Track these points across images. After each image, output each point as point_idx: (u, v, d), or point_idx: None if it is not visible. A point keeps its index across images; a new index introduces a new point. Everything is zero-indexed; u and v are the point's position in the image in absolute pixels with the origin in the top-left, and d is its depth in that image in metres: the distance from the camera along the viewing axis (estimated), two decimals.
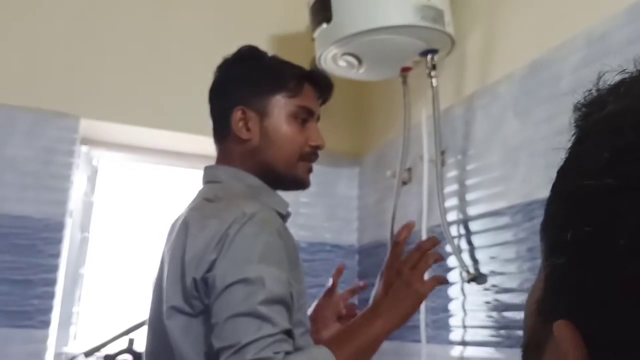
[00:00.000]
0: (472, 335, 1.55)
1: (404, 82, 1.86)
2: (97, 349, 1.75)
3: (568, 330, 0.33)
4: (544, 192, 1.32)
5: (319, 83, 1.29)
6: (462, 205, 1.65)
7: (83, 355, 1.76)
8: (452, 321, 1.63)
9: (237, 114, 1.22)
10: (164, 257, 1.16)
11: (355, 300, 1.50)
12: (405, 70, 1.83)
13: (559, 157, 1.32)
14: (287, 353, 0.97)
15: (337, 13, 1.68)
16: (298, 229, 1.82)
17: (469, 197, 1.64)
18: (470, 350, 1.55)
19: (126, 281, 2.07)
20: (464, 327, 1.59)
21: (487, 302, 1.51)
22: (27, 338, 1.74)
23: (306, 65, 1.34)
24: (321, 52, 1.76)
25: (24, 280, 1.75)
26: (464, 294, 1.60)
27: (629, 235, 0.30)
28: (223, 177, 1.22)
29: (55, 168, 1.85)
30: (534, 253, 1.38)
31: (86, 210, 2.04)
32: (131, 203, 2.15)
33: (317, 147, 1.26)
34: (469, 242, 1.60)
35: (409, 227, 1.26)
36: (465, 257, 1.59)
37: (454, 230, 1.66)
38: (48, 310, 1.77)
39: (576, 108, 0.38)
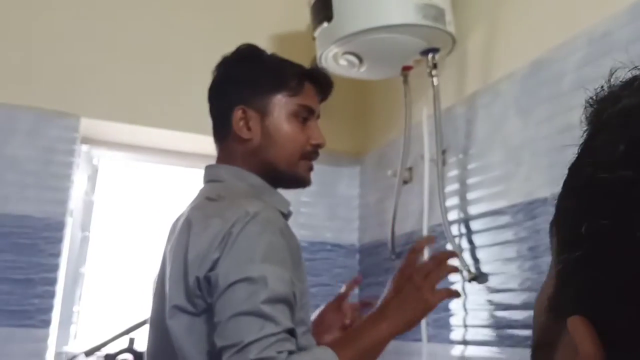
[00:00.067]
0: (473, 334, 1.55)
1: (405, 81, 1.86)
2: (98, 348, 1.75)
3: (583, 325, 0.33)
4: (545, 191, 1.32)
5: (319, 81, 1.29)
6: (463, 204, 1.65)
7: (83, 355, 1.76)
8: (453, 320, 1.63)
9: (238, 114, 1.22)
10: (166, 257, 1.16)
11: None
12: (406, 69, 1.83)
13: (561, 156, 1.32)
14: (290, 352, 0.97)
15: (338, 12, 1.68)
16: (299, 228, 1.82)
17: (470, 196, 1.63)
18: (471, 350, 1.55)
19: (127, 280, 2.07)
20: (465, 326, 1.58)
21: (488, 301, 1.51)
22: (27, 337, 1.73)
23: (307, 65, 1.34)
24: (322, 51, 1.75)
25: (24, 279, 1.75)
26: (465, 293, 1.60)
27: None
28: (225, 176, 1.22)
29: (55, 167, 1.85)
30: (535, 252, 1.38)
31: (87, 209, 2.04)
32: (132, 202, 2.15)
33: (318, 146, 1.26)
34: (470, 241, 1.60)
35: (429, 239, 1.31)
36: (466, 256, 1.59)
37: (455, 230, 1.65)
38: (49, 309, 1.77)
39: (588, 104, 0.38)
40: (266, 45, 1.34)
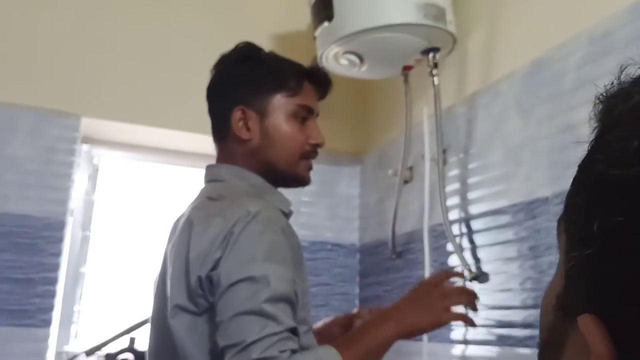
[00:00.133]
0: (473, 333, 1.55)
1: (406, 81, 1.86)
2: (98, 347, 1.75)
3: (594, 324, 0.32)
4: (546, 191, 1.32)
5: (319, 80, 1.29)
6: (464, 203, 1.65)
7: (84, 354, 1.76)
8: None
9: (237, 114, 1.22)
10: (167, 256, 1.16)
11: None
12: (406, 68, 1.83)
13: (561, 156, 1.32)
14: (293, 351, 0.96)
15: (338, 11, 1.68)
16: (299, 228, 1.81)
17: (471, 195, 1.63)
18: (471, 349, 1.55)
19: (127, 280, 2.07)
20: (466, 325, 1.58)
21: (489, 301, 1.51)
22: (28, 337, 1.73)
23: (307, 64, 1.34)
24: (323, 51, 1.75)
25: (25, 279, 1.75)
26: None
27: None
28: (226, 176, 1.22)
29: (56, 167, 1.85)
30: (536, 252, 1.38)
31: (87, 209, 2.04)
32: (132, 202, 2.15)
33: (318, 145, 1.26)
34: (471, 241, 1.60)
35: (459, 274, 1.33)
36: (467, 255, 1.59)
37: (455, 229, 1.66)
38: (49, 309, 1.77)
39: (598, 100, 0.38)
40: (267, 44, 1.34)
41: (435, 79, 1.71)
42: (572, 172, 1.28)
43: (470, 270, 1.55)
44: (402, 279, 1.91)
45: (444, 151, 1.72)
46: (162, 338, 1.10)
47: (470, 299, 1.20)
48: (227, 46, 1.31)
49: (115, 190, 2.13)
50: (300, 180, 1.27)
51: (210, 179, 1.25)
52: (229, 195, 1.14)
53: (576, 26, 1.35)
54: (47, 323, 1.76)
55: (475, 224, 1.60)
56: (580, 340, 0.33)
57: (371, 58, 1.77)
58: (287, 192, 1.28)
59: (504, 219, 1.49)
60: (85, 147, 2.03)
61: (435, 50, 1.71)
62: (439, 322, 1.17)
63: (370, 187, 2.20)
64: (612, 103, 0.37)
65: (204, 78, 1.31)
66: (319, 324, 1.34)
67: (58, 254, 1.81)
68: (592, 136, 0.37)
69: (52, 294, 1.78)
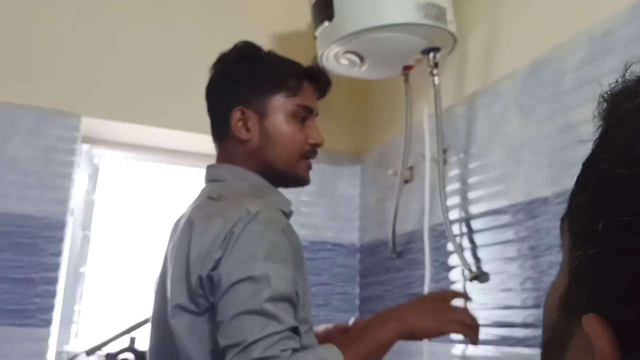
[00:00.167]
0: None
1: (406, 81, 1.86)
2: (99, 347, 1.75)
3: (599, 324, 0.32)
4: (546, 191, 1.32)
5: (318, 80, 1.29)
6: (464, 203, 1.65)
7: (84, 354, 1.76)
8: None
9: (237, 115, 1.22)
10: (168, 256, 1.16)
11: None
12: (407, 68, 1.83)
13: (561, 156, 1.31)
14: (294, 350, 0.96)
15: (338, 11, 1.68)
16: (299, 228, 1.82)
17: (471, 195, 1.63)
18: (472, 349, 1.55)
19: (127, 280, 2.07)
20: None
21: (489, 301, 1.51)
22: (28, 336, 1.73)
23: (307, 64, 1.34)
24: (323, 51, 1.75)
25: (25, 278, 1.75)
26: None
27: None
28: (226, 176, 1.22)
29: (56, 167, 1.85)
30: (536, 251, 1.38)
31: (87, 208, 2.04)
32: (132, 201, 2.15)
33: (317, 145, 1.26)
34: (471, 241, 1.60)
35: (465, 296, 1.33)
36: (467, 255, 1.59)
37: (455, 229, 1.66)
38: (49, 308, 1.77)
39: (602, 99, 0.37)
40: (267, 44, 1.34)
41: (436, 79, 1.71)
42: (573, 172, 1.28)
43: (470, 270, 1.55)
44: (402, 279, 1.91)
45: (444, 151, 1.73)
46: (163, 338, 1.10)
47: (473, 324, 1.16)
48: (227, 46, 1.30)
49: (115, 190, 2.13)
50: (299, 180, 1.27)
51: (210, 178, 1.25)
52: (229, 195, 1.14)
53: (576, 26, 1.35)
54: (47, 323, 1.76)
55: (476, 224, 1.60)
56: (584, 340, 0.33)
57: (371, 58, 1.77)
58: (287, 192, 1.28)
59: (504, 218, 1.49)
60: (85, 147, 2.03)
61: (436, 50, 1.71)
62: (439, 329, 1.15)
63: (371, 186, 2.20)
64: (616, 101, 0.36)
65: (204, 78, 1.31)
66: (319, 328, 1.34)
67: (58, 254, 1.81)
68: (597, 134, 0.37)
69: (53, 294, 1.78)
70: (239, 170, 1.22)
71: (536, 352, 1.36)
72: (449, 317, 1.15)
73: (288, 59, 1.29)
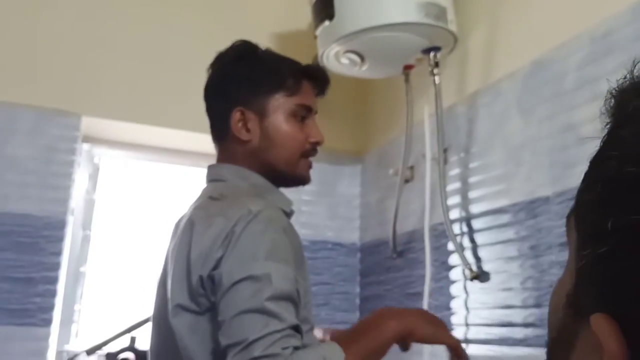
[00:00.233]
0: (474, 333, 1.55)
1: (407, 80, 1.86)
2: (99, 347, 1.75)
3: (607, 323, 0.32)
4: (547, 190, 1.32)
5: (317, 78, 1.29)
6: (465, 203, 1.65)
7: (85, 354, 1.76)
8: (455, 319, 1.63)
9: (236, 115, 1.22)
10: (168, 256, 1.16)
11: None
12: (407, 68, 1.83)
13: (562, 155, 1.31)
14: (296, 348, 0.96)
15: (339, 10, 1.68)
16: (300, 227, 1.82)
17: (472, 195, 1.63)
18: (472, 348, 1.55)
19: (128, 279, 2.07)
20: (467, 325, 1.58)
21: (490, 300, 1.51)
22: (28, 336, 1.73)
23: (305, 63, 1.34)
24: (323, 50, 1.75)
25: (25, 278, 1.75)
26: (466, 292, 1.60)
27: None
28: (227, 176, 1.22)
29: (56, 166, 1.85)
30: (536, 251, 1.38)
31: (88, 208, 2.04)
32: (133, 201, 2.15)
33: (317, 143, 1.26)
34: (472, 240, 1.60)
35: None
36: (468, 254, 1.59)
37: (456, 228, 1.65)
38: (50, 308, 1.77)
39: (610, 95, 0.37)
40: (267, 44, 1.33)
41: (436, 78, 1.71)
42: (574, 171, 1.29)
43: (471, 270, 1.55)
44: (402, 278, 1.91)
45: (445, 150, 1.72)
46: (164, 338, 1.10)
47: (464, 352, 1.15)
48: (227, 45, 1.30)
49: (115, 190, 2.13)
50: (300, 180, 1.27)
51: (211, 178, 1.25)
52: (230, 194, 1.14)
53: (577, 26, 1.35)
54: (47, 322, 1.76)
55: (476, 223, 1.60)
56: (591, 339, 0.33)
57: (372, 57, 1.77)
58: (288, 192, 1.28)
59: (505, 218, 1.49)
60: (85, 146, 2.03)
61: (436, 49, 1.71)
62: (438, 336, 1.13)
63: (371, 186, 2.20)
64: (625, 98, 0.36)
65: (204, 77, 1.30)
66: (320, 331, 1.34)
67: (59, 253, 1.81)
68: (604, 131, 0.37)
69: (53, 293, 1.78)
70: (240, 170, 1.22)
71: (536, 351, 1.36)
72: (448, 330, 1.15)
73: (286, 58, 1.29)
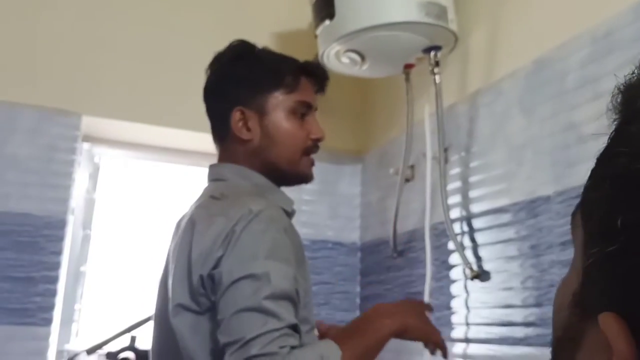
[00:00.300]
0: (475, 332, 1.55)
1: (407, 79, 1.86)
2: (99, 346, 1.75)
3: (617, 323, 0.31)
4: (548, 190, 1.32)
5: (315, 74, 1.29)
6: (465, 202, 1.65)
7: (85, 353, 1.76)
8: (455, 318, 1.63)
9: (236, 115, 1.22)
10: (170, 255, 1.16)
11: None
12: (408, 67, 1.83)
13: (563, 155, 1.31)
14: (293, 348, 0.96)
15: (340, 10, 1.68)
16: (300, 227, 1.81)
17: (472, 194, 1.63)
18: (473, 348, 1.55)
19: (128, 279, 2.07)
20: (467, 324, 1.58)
21: (490, 300, 1.51)
22: (29, 335, 1.73)
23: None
24: (324, 49, 1.75)
25: (25, 277, 1.75)
26: (467, 291, 1.60)
27: None
28: (228, 175, 1.22)
29: (57, 165, 1.85)
30: (537, 250, 1.38)
31: (88, 207, 2.04)
32: (133, 200, 2.14)
33: (318, 140, 1.26)
34: (472, 239, 1.60)
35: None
36: (469, 254, 1.59)
37: (457, 228, 1.65)
38: (50, 307, 1.77)
39: (618, 91, 0.36)
40: (268, 43, 1.33)
41: (437, 78, 1.70)
42: (575, 170, 1.28)
43: (471, 269, 1.55)
44: (403, 278, 1.90)
45: (446, 150, 1.72)
46: (165, 337, 1.10)
47: (439, 346, 1.22)
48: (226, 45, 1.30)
49: (116, 189, 2.13)
50: (303, 178, 1.26)
51: (213, 178, 1.25)
52: (231, 194, 1.14)
53: (579, 25, 1.35)
54: (48, 322, 1.76)
55: (477, 223, 1.60)
56: (599, 338, 0.32)
57: (372, 56, 1.77)
58: (289, 190, 1.28)
59: (506, 217, 1.49)
60: (86, 146, 2.03)
61: (437, 48, 1.71)
62: (428, 333, 1.19)
63: (372, 185, 2.20)
64: (633, 94, 0.35)
65: (205, 77, 1.31)
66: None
67: (59, 253, 1.81)
68: (612, 128, 0.36)
69: (53, 293, 1.78)
70: (242, 170, 1.22)
71: (537, 350, 1.36)
72: (433, 326, 1.21)
73: (284, 55, 1.29)
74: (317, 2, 1.76)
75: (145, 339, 1.70)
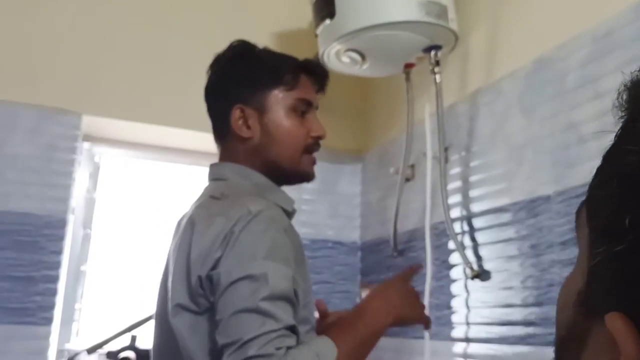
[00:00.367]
0: (475, 331, 1.55)
1: (407, 79, 1.86)
2: (100, 345, 1.75)
3: (624, 323, 0.31)
4: (548, 189, 1.32)
5: (315, 72, 1.29)
6: (466, 201, 1.65)
7: (85, 352, 1.76)
8: (455, 318, 1.63)
9: (236, 113, 1.22)
10: (170, 255, 1.16)
11: None
12: (408, 66, 1.83)
13: (563, 154, 1.31)
14: (290, 348, 0.96)
15: (340, 9, 1.68)
16: (300, 226, 1.82)
17: (473, 193, 1.63)
18: (473, 347, 1.55)
19: (128, 278, 2.07)
20: (467, 323, 1.58)
21: (490, 299, 1.51)
22: (29, 335, 1.73)
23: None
24: (324, 49, 1.75)
25: (26, 277, 1.75)
26: (467, 291, 1.60)
27: None
28: (229, 175, 1.22)
29: (57, 165, 1.85)
30: (537, 250, 1.38)
31: (88, 207, 2.04)
32: (133, 200, 2.15)
33: (319, 137, 1.26)
34: (473, 239, 1.60)
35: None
36: (469, 253, 1.59)
37: (457, 227, 1.65)
38: (50, 307, 1.77)
39: (624, 87, 0.35)
40: (268, 43, 1.34)
41: (437, 77, 1.70)
42: (575, 170, 1.28)
43: (471, 268, 1.55)
44: None
45: (446, 149, 1.72)
46: (166, 337, 1.10)
47: (423, 319, 1.28)
48: (228, 44, 1.30)
49: (116, 188, 2.13)
50: (304, 176, 1.26)
51: (213, 177, 1.25)
52: (231, 194, 1.14)
53: (579, 25, 1.35)
54: (48, 321, 1.76)
55: (477, 222, 1.60)
56: (604, 338, 0.32)
57: (373, 56, 1.76)
58: (289, 189, 1.28)
59: (506, 217, 1.49)
60: (86, 145, 2.03)
61: (437, 48, 1.70)
62: (420, 317, 1.25)
63: (372, 185, 2.20)
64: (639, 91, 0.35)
65: (205, 76, 1.31)
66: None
67: (59, 252, 1.81)
68: (618, 125, 0.35)
69: (53, 292, 1.78)
70: (242, 169, 1.21)
71: (537, 350, 1.36)
72: (421, 305, 1.26)
73: (284, 54, 1.29)
74: (317, 1, 1.76)
75: (145, 339, 1.70)
